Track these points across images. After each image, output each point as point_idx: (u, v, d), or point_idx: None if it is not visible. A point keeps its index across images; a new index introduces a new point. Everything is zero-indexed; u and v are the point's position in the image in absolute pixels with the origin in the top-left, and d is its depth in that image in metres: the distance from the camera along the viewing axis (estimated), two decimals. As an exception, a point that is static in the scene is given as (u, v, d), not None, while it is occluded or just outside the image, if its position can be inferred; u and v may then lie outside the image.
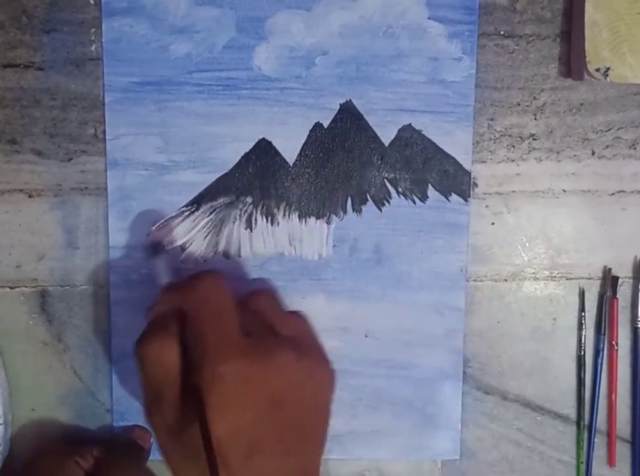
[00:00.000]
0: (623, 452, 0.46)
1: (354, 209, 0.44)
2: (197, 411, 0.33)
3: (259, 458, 0.33)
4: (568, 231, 0.44)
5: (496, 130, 0.44)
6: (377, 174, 0.43)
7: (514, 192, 0.44)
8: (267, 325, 0.37)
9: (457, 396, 0.45)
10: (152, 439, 0.44)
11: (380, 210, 0.44)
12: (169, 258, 0.41)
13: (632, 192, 0.44)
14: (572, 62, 0.43)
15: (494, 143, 0.44)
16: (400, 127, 0.43)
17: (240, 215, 0.43)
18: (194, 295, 0.36)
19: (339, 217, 0.43)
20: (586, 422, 0.45)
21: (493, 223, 0.44)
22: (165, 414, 0.34)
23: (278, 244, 0.44)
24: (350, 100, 0.43)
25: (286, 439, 0.34)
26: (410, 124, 0.43)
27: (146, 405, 0.36)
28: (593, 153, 0.44)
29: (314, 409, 0.36)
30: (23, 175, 0.43)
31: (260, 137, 0.43)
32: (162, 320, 0.37)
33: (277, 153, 0.43)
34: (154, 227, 0.43)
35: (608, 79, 0.40)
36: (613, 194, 0.44)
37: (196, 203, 0.43)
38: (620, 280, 0.44)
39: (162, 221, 0.43)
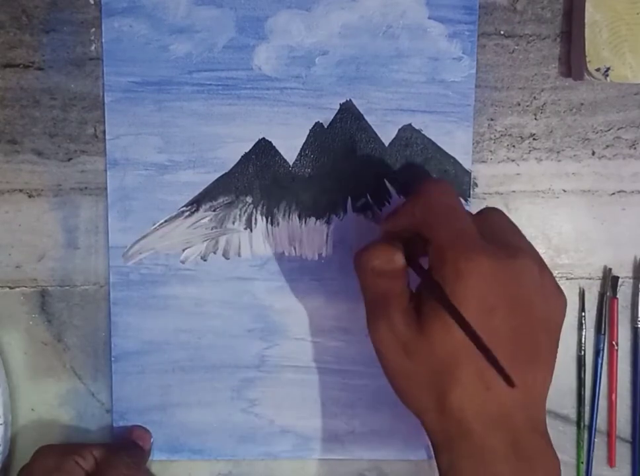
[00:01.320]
0: (623, 452, 0.46)
1: (354, 209, 0.44)
2: (444, 306, 0.31)
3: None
4: (568, 231, 0.44)
5: (496, 130, 0.44)
6: (377, 173, 0.43)
7: (514, 191, 0.44)
8: (503, 237, 0.35)
9: (457, 397, 0.45)
10: (152, 440, 0.44)
11: (380, 210, 0.44)
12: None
13: (632, 191, 0.44)
14: (572, 62, 0.43)
15: (494, 142, 0.44)
16: (400, 127, 0.43)
17: (240, 215, 0.43)
18: (428, 200, 0.35)
19: (339, 217, 0.43)
20: (586, 422, 0.45)
21: (493, 223, 0.44)
22: (392, 323, 0.33)
23: (278, 244, 0.44)
24: (350, 99, 0.43)
25: (515, 349, 0.32)
26: (410, 124, 0.43)
27: (370, 318, 0.35)
28: (593, 153, 0.44)
29: (545, 328, 0.34)
30: (23, 175, 0.43)
31: (260, 137, 0.43)
32: (388, 236, 0.37)
33: (277, 152, 0.43)
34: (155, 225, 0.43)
35: (608, 78, 0.40)
36: (613, 193, 0.44)
37: (196, 203, 0.43)
38: (620, 280, 0.44)
39: (162, 221, 0.43)
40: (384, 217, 0.38)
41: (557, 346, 0.35)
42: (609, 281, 0.44)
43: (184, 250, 0.44)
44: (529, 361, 0.33)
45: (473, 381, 0.31)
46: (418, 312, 0.33)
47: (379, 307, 0.35)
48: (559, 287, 0.35)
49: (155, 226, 0.43)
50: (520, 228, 0.44)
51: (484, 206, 0.39)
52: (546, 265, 0.35)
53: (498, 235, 0.35)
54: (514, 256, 0.33)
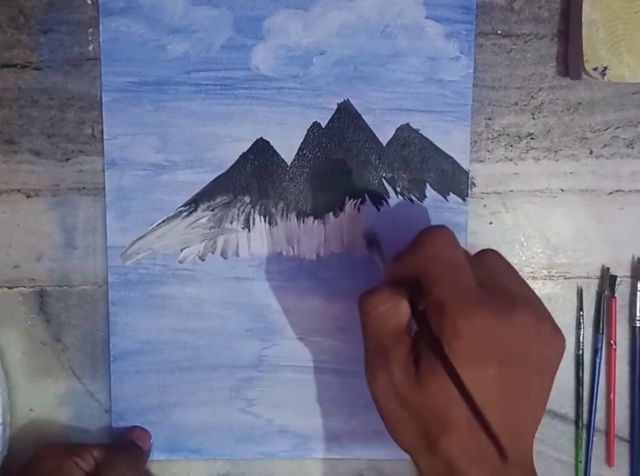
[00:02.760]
0: (622, 451, 0.46)
1: (352, 209, 0.44)
2: (442, 363, 0.32)
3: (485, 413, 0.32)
4: (566, 230, 0.44)
5: (494, 129, 0.44)
6: (375, 173, 0.43)
7: (511, 191, 0.44)
8: (500, 283, 0.35)
9: (455, 396, 0.45)
10: (151, 440, 0.44)
11: (378, 209, 0.44)
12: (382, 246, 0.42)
13: (630, 191, 0.44)
14: (569, 61, 0.43)
15: (492, 142, 0.44)
16: (398, 126, 0.43)
17: (238, 215, 0.43)
18: (428, 251, 0.35)
19: (337, 217, 0.43)
20: (585, 422, 0.45)
21: (491, 223, 0.44)
22: (391, 374, 0.34)
23: (276, 244, 0.44)
24: (347, 99, 0.43)
25: (506, 395, 0.33)
26: (408, 124, 0.43)
27: (369, 365, 0.36)
28: (591, 152, 0.44)
29: (539, 371, 0.34)
30: (21, 175, 0.43)
31: (258, 137, 0.43)
32: (392, 282, 0.36)
33: (275, 152, 0.43)
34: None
35: (606, 78, 0.40)
36: (611, 193, 0.44)
37: (194, 203, 0.43)
38: (618, 279, 0.44)
39: (160, 221, 0.43)
40: (388, 261, 0.38)
41: (552, 383, 0.35)
42: (607, 281, 0.44)
43: (182, 250, 0.44)
44: (519, 404, 0.34)
45: (463, 430, 0.32)
46: (417, 364, 0.34)
47: (380, 356, 0.35)
48: (555, 327, 0.35)
49: (153, 226, 0.43)
50: (519, 228, 0.44)
51: (484, 248, 0.38)
52: (543, 308, 0.36)
53: (495, 280, 0.35)
54: (512, 310, 0.33)
